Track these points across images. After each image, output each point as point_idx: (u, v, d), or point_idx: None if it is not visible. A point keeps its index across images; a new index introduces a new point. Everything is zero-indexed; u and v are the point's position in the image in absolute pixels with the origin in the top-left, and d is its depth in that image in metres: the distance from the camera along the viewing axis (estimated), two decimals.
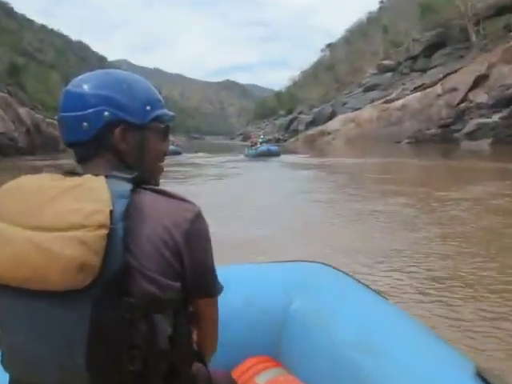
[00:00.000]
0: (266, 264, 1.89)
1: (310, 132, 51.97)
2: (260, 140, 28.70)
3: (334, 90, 69.24)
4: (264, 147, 26.15)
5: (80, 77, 1.01)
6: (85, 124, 0.94)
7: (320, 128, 50.27)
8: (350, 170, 16.30)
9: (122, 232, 0.80)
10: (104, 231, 0.78)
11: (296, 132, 59.89)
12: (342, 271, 1.74)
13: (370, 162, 18.97)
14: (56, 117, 0.99)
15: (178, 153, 30.19)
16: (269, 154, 24.81)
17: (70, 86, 0.98)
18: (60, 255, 0.77)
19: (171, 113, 1.07)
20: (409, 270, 4.32)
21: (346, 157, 22.85)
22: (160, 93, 1.07)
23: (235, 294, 1.58)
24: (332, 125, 47.90)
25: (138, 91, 1.00)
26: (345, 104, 55.82)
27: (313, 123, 57.15)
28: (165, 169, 1.07)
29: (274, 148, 26.72)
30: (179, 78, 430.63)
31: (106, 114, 0.94)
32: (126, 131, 0.97)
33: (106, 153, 0.96)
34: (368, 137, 38.87)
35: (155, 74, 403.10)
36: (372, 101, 46.67)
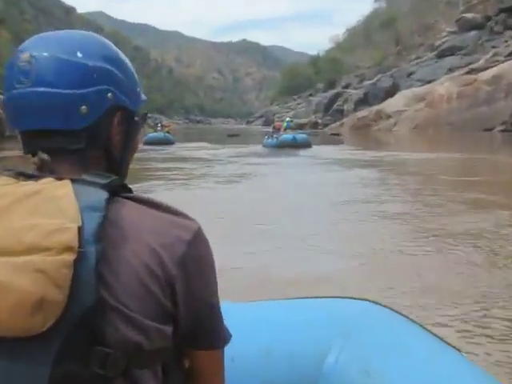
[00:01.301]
0: (293, 301, 1.89)
1: (360, 114, 51.80)
2: (285, 124, 28.66)
3: (395, 56, 69.02)
4: (288, 135, 26.33)
5: (59, 35, 1.00)
6: (83, 107, 0.95)
7: (375, 108, 50.08)
8: (421, 169, 16.12)
9: (94, 257, 0.82)
10: (70, 256, 0.79)
11: (340, 114, 59.80)
12: (398, 312, 1.74)
13: (447, 158, 18.80)
14: (16, 90, 0.95)
15: (168, 142, 30.72)
16: (294, 145, 24.95)
17: (57, 51, 0.95)
18: (9, 288, 0.77)
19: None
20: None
21: (413, 150, 22.66)
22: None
23: (251, 340, 1.57)
24: (392, 104, 47.64)
25: (129, 67, 1.05)
26: (411, 74, 55.55)
27: (365, 101, 57.01)
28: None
29: (301, 136, 26.97)
30: (175, 37, 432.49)
31: (110, 95, 0.97)
32: (121, 120, 1.02)
33: (94, 148, 0.99)
34: (444, 122, 38.54)
35: (142, 30, 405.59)
36: (450, 70, 46.32)
